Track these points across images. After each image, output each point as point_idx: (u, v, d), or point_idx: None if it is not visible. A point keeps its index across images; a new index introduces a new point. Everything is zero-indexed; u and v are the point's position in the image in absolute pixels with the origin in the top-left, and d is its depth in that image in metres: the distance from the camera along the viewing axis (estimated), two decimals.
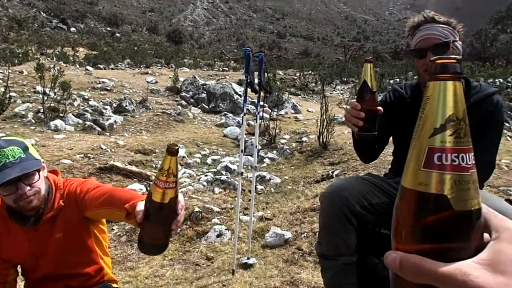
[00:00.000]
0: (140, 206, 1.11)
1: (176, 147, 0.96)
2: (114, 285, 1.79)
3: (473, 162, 0.41)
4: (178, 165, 1.00)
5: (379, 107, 1.46)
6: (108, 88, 10.25)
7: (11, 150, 1.41)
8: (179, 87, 11.32)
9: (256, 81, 2.84)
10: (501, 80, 14.32)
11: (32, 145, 1.58)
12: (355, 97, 1.50)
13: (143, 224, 1.06)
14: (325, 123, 5.75)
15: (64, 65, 15.27)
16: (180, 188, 4.51)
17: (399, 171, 1.97)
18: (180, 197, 1.08)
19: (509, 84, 13.53)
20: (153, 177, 1.08)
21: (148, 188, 4.31)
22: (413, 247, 0.41)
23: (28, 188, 1.44)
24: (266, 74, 2.90)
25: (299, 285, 2.37)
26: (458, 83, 0.41)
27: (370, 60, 1.43)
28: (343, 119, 8.34)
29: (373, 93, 1.43)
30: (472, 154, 0.41)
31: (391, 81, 16.14)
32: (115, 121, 7.31)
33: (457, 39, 1.68)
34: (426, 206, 0.40)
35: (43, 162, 1.53)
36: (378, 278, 1.82)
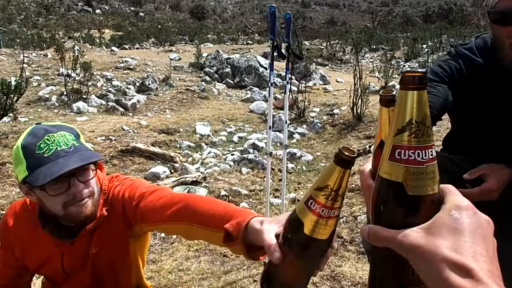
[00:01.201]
0: (267, 234, 0.73)
1: (354, 155, 0.59)
2: None
3: (432, 156, 0.48)
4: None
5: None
6: (131, 67, 10.06)
7: (62, 136, 1.08)
8: (202, 62, 10.99)
9: (283, 46, 2.46)
10: None
11: None
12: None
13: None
14: (358, 92, 5.28)
15: (90, 47, 15.24)
16: (206, 169, 4.15)
17: (463, 148, 1.57)
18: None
19: None
20: (304, 197, 0.62)
21: (172, 171, 4.08)
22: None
23: (83, 186, 1.10)
24: (296, 36, 2.51)
25: (341, 280, 2.06)
26: (422, 92, 0.48)
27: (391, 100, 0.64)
28: (376, 88, 7.82)
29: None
30: (431, 150, 0.49)
31: (424, 46, 15.14)
32: (138, 101, 7.11)
33: None
34: (388, 191, 0.50)
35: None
36: None
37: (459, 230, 0.45)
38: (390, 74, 8.16)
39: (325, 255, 0.68)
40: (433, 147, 0.49)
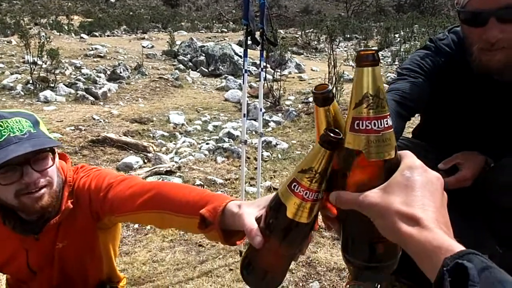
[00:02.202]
0: (248, 218, 0.70)
1: (339, 137, 0.57)
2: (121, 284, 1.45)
3: (387, 125, 0.53)
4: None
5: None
6: (102, 54, 9.74)
7: (17, 122, 1.01)
8: (176, 50, 10.77)
9: (257, 33, 2.41)
10: None
11: None
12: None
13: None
14: (333, 80, 5.31)
15: (58, 34, 14.62)
16: (180, 159, 4.08)
17: (434, 138, 1.59)
18: None
19: None
20: (287, 180, 0.61)
21: (145, 161, 3.99)
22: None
23: (39, 175, 1.03)
24: (270, 22, 2.47)
25: (316, 266, 2.07)
26: (375, 68, 0.53)
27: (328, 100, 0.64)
28: (350, 76, 7.91)
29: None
30: (386, 120, 0.53)
31: (396, 35, 15.37)
32: (109, 89, 6.89)
33: None
34: (350, 159, 0.55)
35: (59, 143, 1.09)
36: (413, 260, 1.52)
37: (410, 186, 0.51)
38: None
39: (308, 239, 0.67)
40: (388, 116, 0.53)
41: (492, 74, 1.24)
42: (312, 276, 1.99)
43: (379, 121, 0.53)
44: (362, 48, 0.55)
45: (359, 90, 0.53)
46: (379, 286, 1.59)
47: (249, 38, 2.22)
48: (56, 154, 1.14)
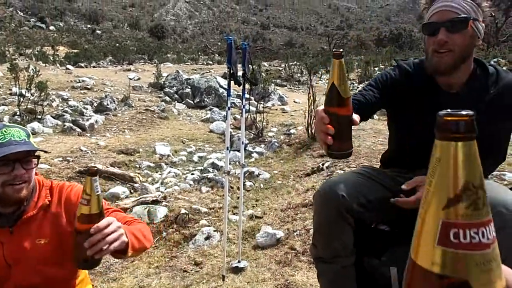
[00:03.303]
0: None
1: (341, 50, 1.04)
2: None
3: (494, 234, 0.37)
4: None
5: (355, 117, 1.13)
6: (89, 86, 9.93)
7: (17, 131, 1.33)
8: (162, 82, 11.04)
9: (240, 72, 2.66)
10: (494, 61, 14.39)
11: None
12: (322, 103, 1.15)
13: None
14: (313, 113, 5.60)
15: (44, 65, 14.81)
16: (166, 189, 4.25)
17: (397, 162, 1.81)
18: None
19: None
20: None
21: (132, 191, 4.12)
22: None
23: (24, 172, 1.30)
24: (250, 65, 2.73)
25: None
26: (472, 143, 0.36)
27: (340, 55, 1.04)
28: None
29: (343, 100, 1.07)
30: (492, 225, 0.37)
31: (376, 68, 16.09)
32: (96, 121, 7.05)
33: (480, 19, 1.44)
34: None
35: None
36: (378, 280, 1.70)
37: None
38: None
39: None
40: (492, 221, 0.38)
41: (441, 74, 1.49)
42: None
43: (487, 228, 0.37)
44: (446, 112, 0.39)
45: (453, 179, 0.36)
46: None
47: (232, 79, 2.47)
48: (39, 160, 1.41)
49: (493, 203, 1.31)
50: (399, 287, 1.63)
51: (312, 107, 5.64)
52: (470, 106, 1.65)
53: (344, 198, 1.49)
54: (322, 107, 1.12)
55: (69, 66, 16.19)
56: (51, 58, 19.85)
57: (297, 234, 2.90)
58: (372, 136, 5.23)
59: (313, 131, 1.30)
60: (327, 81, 16.44)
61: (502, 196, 1.34)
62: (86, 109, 7.77)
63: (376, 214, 1.61)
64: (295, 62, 18.27)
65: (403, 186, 1.53)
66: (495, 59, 13.08)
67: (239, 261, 2.60)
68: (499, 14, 30.86)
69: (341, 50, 1.04)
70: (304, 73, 15.79)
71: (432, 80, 1.56)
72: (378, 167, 1.94)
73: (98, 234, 1.13)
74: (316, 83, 13.89)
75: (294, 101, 10.32)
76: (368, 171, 1.70)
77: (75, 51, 26.78)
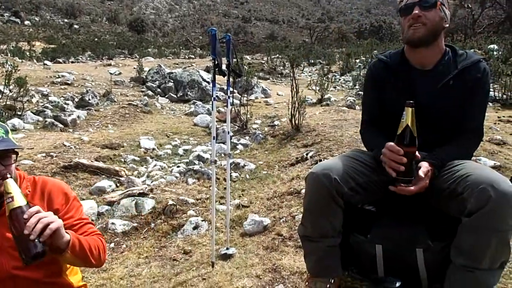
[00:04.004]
0: None
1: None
2: None
3: None
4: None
5: (417, 154, 1.52)
6: (69, 82, 9.76)
7: None
8: (144, 77, 10.94)
9: (224, 64, 2.70)
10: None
11: None
12: (394, 140, 1.50)
13: None
14: (296, 105, 5.68)
15: (20, 60, 14.44)
16: (152, 182, 4.28)
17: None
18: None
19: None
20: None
21: (118, 185, 4.13)
22: None
23: (3, 168, 1.35)
24: (234, 56, 2.77)
25: (281, 271, 2.30)
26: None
27: (412, 105, 1.46)
28: (313, 100, 8.38)
29: (414, 139, 1.48)
30: None
31: (357, 60, 16.28)
32: (78, 116, 6.96)
33: (446, 6, 1.70)
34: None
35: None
36: (363, 256, 1.78)
37: None
38: (326, 87, 8.76)
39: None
40: None
41: (416, 45, 1.69)
42: (278, 280, 2.22)
43: None
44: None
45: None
46: (332, 281, 1.86)
47: (216, 70, 2.50)
48: (17, 156, 1.46)
49: (478, 180, 1.41)
50: (384, 264, 1.73)
51: (295, 98, 5.72)
52: (439, 80, 1.82)
53: (337, 181, 1.57)
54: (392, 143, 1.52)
55: (46, 62, 15.83)
56: (28, 53, 19.35)
57: (283, 221, 2.98)
58: (354, 126, 5.35)
59: (383, 159, 1.43)
60: (309, 73, 16.43)
61: (487, 174, 1.44)
62: (67, 104, 7.66)
63: (365, 196, 1.70)
64: (278, 55, 18.31)
65: (420, 173, 1.54)
66: (472, 50, 13.41)
67: (227, 248, 2.67)
68: (476, 6, 31.55)
69: (412, 101, 1.47)
70: (287, 66, 15.86)
71: (407, 61, 1.75)
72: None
73: (32, 218, 1.21)
74: (298, 75, 13.99)
75: (277, 94, 10.39)
76: (359, 154, 1.79)
77: (52, 46, 26.12)
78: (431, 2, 1.63)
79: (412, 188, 1.54)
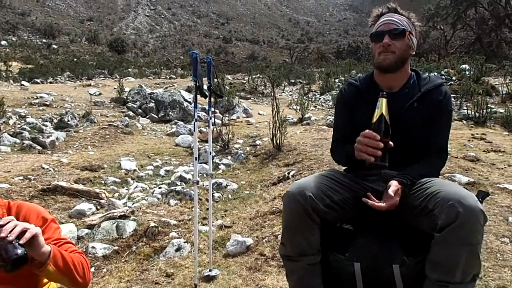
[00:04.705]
0: None
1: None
2: None
3: None
4: None
5: (391, 143, 1.63)
6: (47, 103, 9.63)
7: None
8: (125, 97, 10.90)
9: (205, 85, 2.75)
10: (435, 73, 15.25)
11: None
12: (370, 128, 1.61)
13: None
14: (277, 124, 5.76)
15: None
16: (133, 204, 4.25)
17: (360, 165, 1.96)
18: None
19: (443, 76, 14.45)
20: None
21: (98, 207, 4.07)
22: None
23: None
24: (215, 77, 2.83)
25: None
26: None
27: (386, 96, 1.65)
28: (294, 119, 8.50)
29: (389, 127, 1.63)
30: None
31: (336, 80, 16.67)
32: (57, 138, 6.86)
33: (413, 34, 1.81)
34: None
35: None
36: (343, 275, 1.81)
37: None
38: (306, 107, 8.92)
39: None
40: None
41: (385, 71, 1.81)
42: None
43: None
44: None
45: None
46: None
47: (198, 91, 2.55)
48: None
49: (447, 197, 1.48)
50: (363, 281, 1.76)
51: (276, 118, 5.80)
52: (405, 102, 1.94)
53: (312, 198, 1.62)
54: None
55: (24, 82, 15.59)
56: (4, 74, 19.02)
57: (266, 240, 2.99)
58: None
59: (358, 147, 1.56)
60: (290, 93, 16.63)
61: (455, 191, 1.52)
62: (46, 126, 7.55)
63: (341, 214, 1.75)
64: (258, 75, 18.55)
65: (390, 192, 1.64)
66: (446, 70, 13.91)
67: (210, 270, 2.66)
68: (447, 27, 32.97)
69: (385, 92, 1.68)
70: (268, 85, 16.08)
71: (376, 85, 1.86)
72: (343, 170, 2.10)
73: (9, 223, 1.20)
74: (279, 95, 14.20)
75: (259, 113, 10.50)
76: (333, 173, 1.85)
77: (30, 66, 25.78)
78: (400, 32, 1.76)
79: (383, 204, 1.64)
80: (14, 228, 1.19)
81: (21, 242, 1.18)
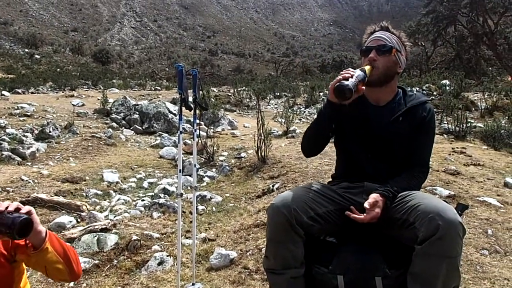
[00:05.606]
0: None
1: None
2: None
3: None
4: None
5: (364, 87, 1.68)
6: (28, 113, 9.45)
7: None
8: (109, 108, 10.79)
9: (190, 98, 2.75)
10: (417, 88, 15.61)
11: None
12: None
13: None
14: (262, 137, 5.78)
15: None
16: (115, 216, 4.16)
17: (344, 176, 1.99)
18: None
19: (424, 92, 14.80)
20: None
21: (79, 220, 3.98)
22: None
23: None
24: (200, 90, 2.83)
25: None
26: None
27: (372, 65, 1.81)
28: (279, 132, 8.55)
29: (366, 77, 1.71)
30: None
31: (321, 93, 16.87)
32: (37, 149, 6.72)
33: (402, 53, 1.88)
34: None
35: None
36: (326, 287, 1.81)
37: None
38: (291, 119, 8.98)
39: None
40: None
41: (370, 84, 1.82)
42: None
43: None
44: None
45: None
46: None
47: (183, 104, 2.55)
48: None
49: (427, 210, 1.51)
50: None
51: (261, 130, 5.82)
52: (391, 115, 2.00)
53: (296, 211, 1.63)
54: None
55: (4, 92, 15.27)
56: None
57: (250, 253, 2.97)
58: (319, 158, 5.49)
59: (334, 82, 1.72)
60: (275, 106, 16.74)
61: (434, 204, 1.55)
62: (26, 137, 7.39)
63: (324, 227, 1.76)
64: (244, 87, 18.65)
65: (365, 205, 1.69)
66: (427, 85, 14.26)
67: (193, 284, 2.62)
68: (428, 43, 33.92)
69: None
70: (253, 98, 16.16)
71: (364, 98, 1.90)
72: (327, 183, 2.11)
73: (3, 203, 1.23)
74: (264, 108, 14.28)
75: (244, 126, 10.52)
76: (317, 186, 1.86)
77: (11, 76, 25.37)
78: (387, 49, 1.83)
79: (363, 216, 1.67)
80: (9, 205, 1.23)
81: (22, 211, 1.22)
